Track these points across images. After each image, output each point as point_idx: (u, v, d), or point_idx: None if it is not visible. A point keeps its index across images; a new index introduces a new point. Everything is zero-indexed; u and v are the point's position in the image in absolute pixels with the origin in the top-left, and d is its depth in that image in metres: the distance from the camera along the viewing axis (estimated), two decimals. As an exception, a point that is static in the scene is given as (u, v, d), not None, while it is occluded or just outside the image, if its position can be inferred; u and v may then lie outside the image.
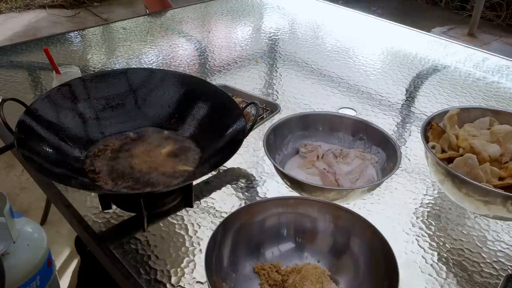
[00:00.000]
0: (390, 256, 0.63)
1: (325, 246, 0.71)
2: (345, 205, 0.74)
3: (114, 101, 0.94)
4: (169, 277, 0.71)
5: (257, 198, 0.86)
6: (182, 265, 0.73)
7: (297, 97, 1.21)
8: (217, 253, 0.66)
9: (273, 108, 1.14)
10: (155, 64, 1.37)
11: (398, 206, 0.87)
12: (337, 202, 0.74)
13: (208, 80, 1.06)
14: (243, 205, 0.84)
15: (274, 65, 1.41)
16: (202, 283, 0.70)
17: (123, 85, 0.95)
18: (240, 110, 0.88)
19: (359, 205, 0.85)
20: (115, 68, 1.34)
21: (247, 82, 1.28)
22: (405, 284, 0.70)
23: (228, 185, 0.90)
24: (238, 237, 0.69)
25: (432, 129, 0.90)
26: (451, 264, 0.75)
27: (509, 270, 0.75)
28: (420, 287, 0.71)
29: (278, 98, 1.21)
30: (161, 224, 0.80)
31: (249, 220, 0.70)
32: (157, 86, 0.96)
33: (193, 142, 0.91)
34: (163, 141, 0.91)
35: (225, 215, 0.82)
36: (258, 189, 0.89)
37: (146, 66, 1.35)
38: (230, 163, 0.93)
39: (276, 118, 1.07)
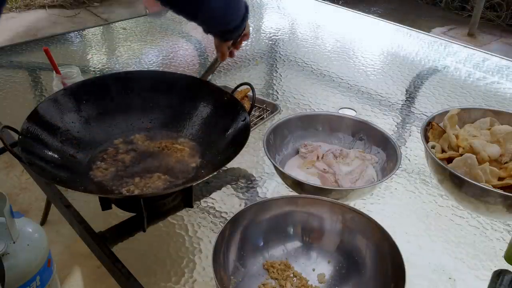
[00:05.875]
0: (397, 256, 0.63)
1: (333, 246, 0.71)
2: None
3: (118, 104, 0.94)
4: (169, 277, 0.71)
5: (257, 198, 0.86)
6: (182, 265, 0.73)
7: (297, 97, 1.21)
8: (225, 249, 0.66)
9: (273, 108, 1.14)
10: (155, 64, 1.37)
11: (398, 206, 0.87)
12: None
13: (208, 80, 1.05)
14: (243, 205, 0.84)
15: (274, 65, 1.41)
16: (202, 283, 0.70)
17: (126, 87, 0.95)
18: (243, 108, 0.87)
19: (359, 205, 0.85)
20: (115, 69, 1.34)
21: (247, 82, 1.28)
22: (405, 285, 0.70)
23: (228, 185, 0.90)
24: (247, 234, 0.69)
25: (432, 129, 0.90)
26: (451, 264, 0.75)
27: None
28: (420, 287, 0.71)
29: (278, 98, 1.21)
30: (161, 224, 0.80)
31: (258, 217, 0.70)
32: (161, 88, 0.96)
33: (197, 143, 0.91)
34: (167, 142, 0.91)
35: (225, 215, 0.82)
36: (258, 189, 0.89)
37: (146, 66, 1.35)
38: (230, 163, 0.93)
39: (276, 118, 1.07)
